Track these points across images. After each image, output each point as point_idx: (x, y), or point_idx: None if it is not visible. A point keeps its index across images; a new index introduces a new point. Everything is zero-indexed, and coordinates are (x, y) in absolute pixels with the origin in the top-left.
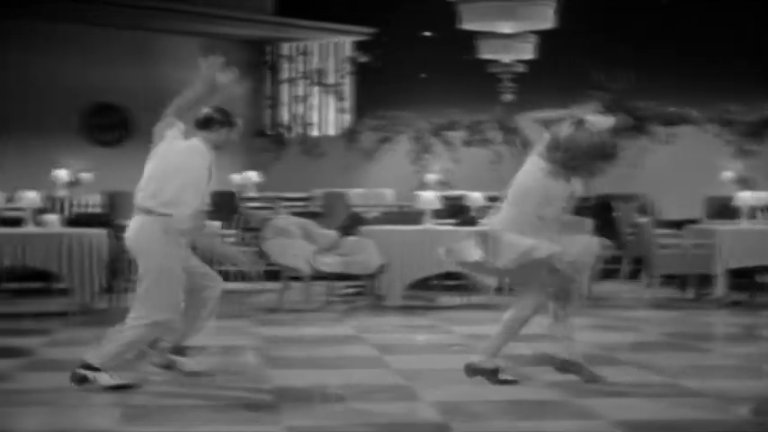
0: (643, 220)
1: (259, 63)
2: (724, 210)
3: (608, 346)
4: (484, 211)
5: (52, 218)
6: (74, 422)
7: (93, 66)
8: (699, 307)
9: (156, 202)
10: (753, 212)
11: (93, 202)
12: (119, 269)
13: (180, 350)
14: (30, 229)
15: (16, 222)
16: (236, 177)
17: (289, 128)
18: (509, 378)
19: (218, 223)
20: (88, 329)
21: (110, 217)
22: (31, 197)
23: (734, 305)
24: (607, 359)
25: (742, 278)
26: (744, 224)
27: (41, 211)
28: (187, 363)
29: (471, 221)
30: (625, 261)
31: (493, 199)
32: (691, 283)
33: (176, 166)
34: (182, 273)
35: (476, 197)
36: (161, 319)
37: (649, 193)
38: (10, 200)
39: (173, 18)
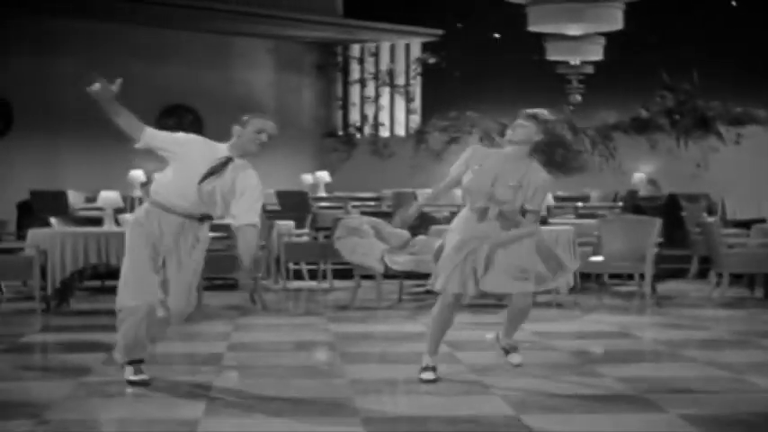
0: (710, 219)
1: (329, 64)
2: None
3: (674, 343)
4: (551, 210)
5: (129, 217)
6: (160, 412)
7: (167, 67)
8: (766, 305)
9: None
10: None
11: None
12: None
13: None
14: (112, 228)
15: (95, 222)
16: (308, 177)
17: (359, 128)
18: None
19: (291, 222)
20: None
21: None
22: (111, 197)
23: None
24: (673, 356)
25: None
26: None
27: (119, 210)
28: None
29: (540, 221)
30: (693, 260)
31: (560, 198)
32: (758, 282)
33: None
34: (147, 262)
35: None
36: (120, 306)
37: (717, 192)
38: (90, 200)
39: (244, 21)
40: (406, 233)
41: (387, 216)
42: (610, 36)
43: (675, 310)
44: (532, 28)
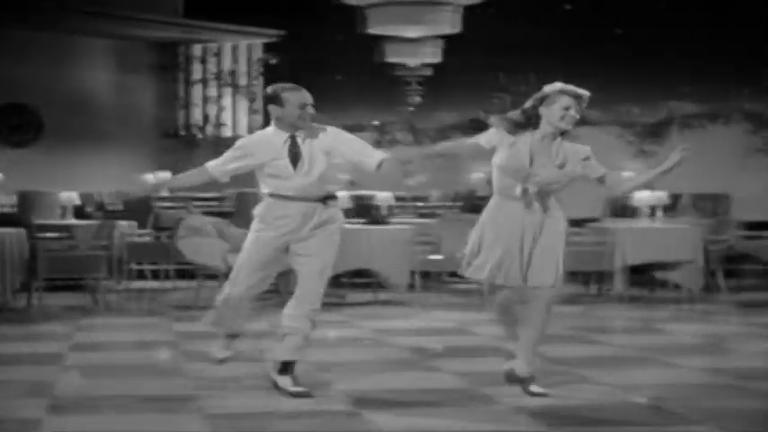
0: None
1: (170, 65)
2: (623, 209)
3: None
4: (392, 210)
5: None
6: (2, 412)
7: (4, 66)
8: (600, 302)
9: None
10: (651, 211)
11: (4, 202)
12: (35, 268)
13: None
14: None
15: None
16: (149, 177)
17: (200, 129)
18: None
19: (132, 222)
20: (7, 326)
21: (24, 217)
22: None
23: (632, 300)
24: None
25: (640, 274)
26: (642, 223)
27: None
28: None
29: (380, 221)
30: None
31: (401, 199)
32: (593, 280)
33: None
34: (261, 256)
35: (384, 197)
36: (225, 292)
37: None
38: None
39: (85, 19)
40: (247, 232)
41: (229, 216)
42: (449, 38)
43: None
44: (372, 30)
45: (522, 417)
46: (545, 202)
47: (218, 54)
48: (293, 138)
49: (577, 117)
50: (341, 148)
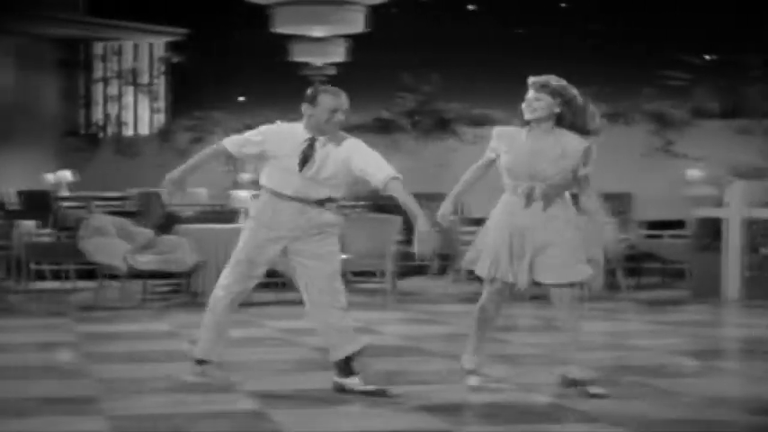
0: (451, 217)
1: (73, 62)
2: None
3: (416, 338)
4: None
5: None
6: None
7: None
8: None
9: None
10: None
11: None
12: None
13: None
14: None
15: None
16: (50, 176)
17: (102, 127)
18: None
19: (33, 222)
20: None
21: None
22: None
23: (534, 298)
24: (415, 350)
25: None
26: None
27: None
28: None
29: None
30: (433, 257)
31: None
32: None
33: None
34: (251, 259)
35: None
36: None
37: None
38: None
39: None
40: (150, 232)
41: (132, 216)
42: (354, 38)
43: (416, 306)
44: (277, 29)
45: (426, 416)
46: (550, 200)
47: (120, 52)
48: (312, 140)
49: (537, 105)
50: (354, 159)
